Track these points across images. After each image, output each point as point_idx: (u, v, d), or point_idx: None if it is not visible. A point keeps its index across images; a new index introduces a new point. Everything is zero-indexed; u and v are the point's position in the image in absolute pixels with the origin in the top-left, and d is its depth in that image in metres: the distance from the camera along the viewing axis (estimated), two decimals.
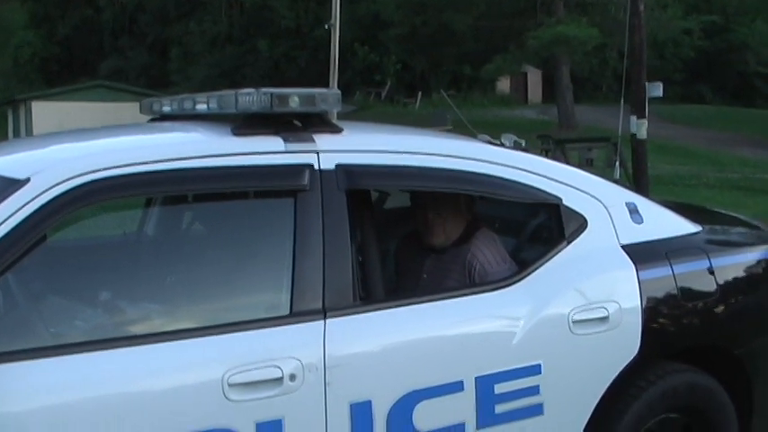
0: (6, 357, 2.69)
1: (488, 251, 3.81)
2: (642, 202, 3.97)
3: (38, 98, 38.36)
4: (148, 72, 50.99)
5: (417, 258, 3.92)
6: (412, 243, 4.02)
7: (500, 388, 3.32)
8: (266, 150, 3.19)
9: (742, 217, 4.98)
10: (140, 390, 2.82)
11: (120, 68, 51.22)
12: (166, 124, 3.80)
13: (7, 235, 2.75)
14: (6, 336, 2.87)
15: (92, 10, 55.02)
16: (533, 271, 3.55)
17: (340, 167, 3.25)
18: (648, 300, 3.68)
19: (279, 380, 2.93)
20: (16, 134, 38.77)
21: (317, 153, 3.23)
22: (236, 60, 47.12)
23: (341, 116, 4.04)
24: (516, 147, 17.41)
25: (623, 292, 3.65)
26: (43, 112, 35.94)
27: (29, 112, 37.25)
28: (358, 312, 3.18)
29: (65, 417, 2.70)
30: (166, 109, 3.80)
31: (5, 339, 2.81)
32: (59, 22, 56.13)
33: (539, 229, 4.05)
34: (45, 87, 45.86)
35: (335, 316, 3.10)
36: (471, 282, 3.73)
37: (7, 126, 41.06)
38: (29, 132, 36.12)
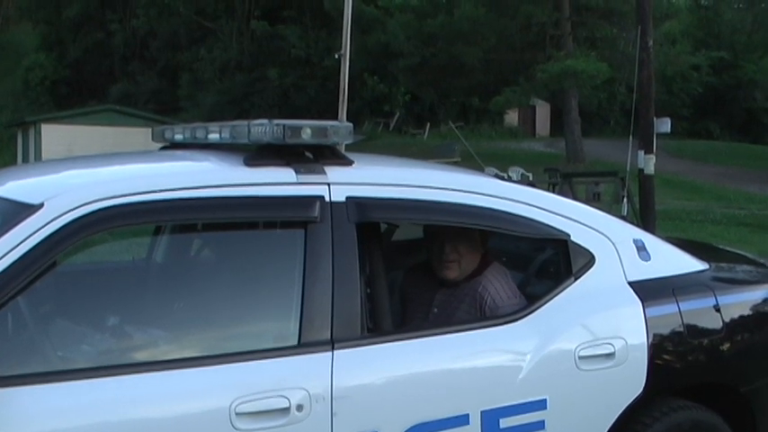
0: (14, 381, 2.70)
1: (500, 285, 3.82)
2: (650, 240, 3.98)
3: (48, 120, 38.43)
4: (158, 97, 51.12)
5: (427, 292, 3.93)
6: (420, 276, 4.02)
7: (505, 422, 3.33)
8: (278, 181, 3.21)
9: (748, 255, 5.00)
10: (147, 417, 2.83)
11: (130, 93, 51.32)
12: (179, 153, 3.83)
13: (21, 259, 2.77)
14: (14, 359, 2.88)
15: (103, 34, 55.25)
16: (540, 306, 3.56)
17: (350, 200, 3.27)
18: (655, 336, 3.69)
19: (286, 410, 2.94)
20: (25, 156, 38.87)
21: (328, 185, 3.26)
22: (245, 88, 47.22)
23: (349, 146, 4.05)
24: (524, 180, 17.47)
25: (630, 329, 3.65)
26: (53, 134, 36.05)
27: (38, 134, 37.34)
28: (366, 344, 3.19)
29: None
30: (178, 137, 3.82)
31: (14, 362, 2.82)
32: (71, 45, 56.35)
33: (546, 264, 4.07)
34: (55, 110, 45.96)
35: (344, 347, 3.11)
36: (482, 315, 3.75)
37: (16, 148, 41.18)
38: (38, 154, 36.20)
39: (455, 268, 3.86)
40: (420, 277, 4.02)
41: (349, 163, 3.40)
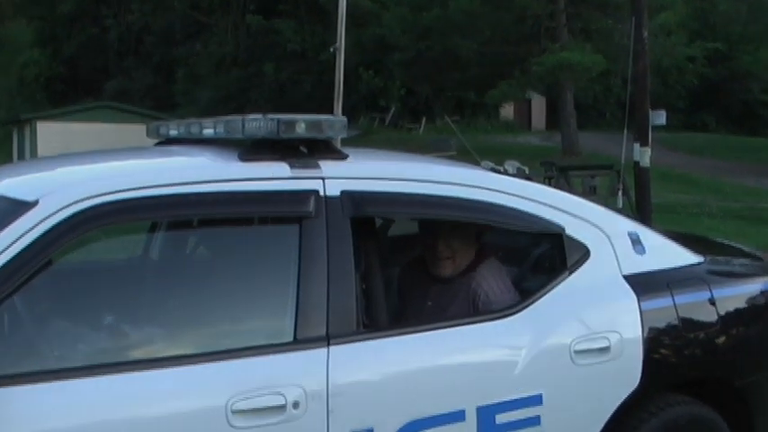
0: (9, 380, 2.70)
1: (493, 281, 3.81)
2: (645, 233, 3.97)
3: (43, 118, 38.26)
4: (154, 93, 50.92)
5: (422, 286, 3.93)
6: (416, 270, 4.02)
7: (501, 418, 3.32)
8: (272, 176, 3.21)
9: (744, 248, 4.98)
10: (143, 415, 2.83)
11: (126, 89, 51.11)
12: (173, 148, 3.82)
13: (16, 256, 2.76)
14: (11, 358, 2.87)
15: (98, 29, 55.05)
16: (535, 300, 3.56)
17: (345, 194, 3.26)
18: (650, 330, 3.68)
19: (282, 407, 2.94)
20: (21, 154, 38.73)
21: (323, 179, 3.25)
22: (241, 83, 47.11)
23: (345, 142, 4.05)
24: (519, 174, 17.44)
25: (625, 323, 3.65)
26: (48, 132, 35.89)
27: (34, 131, 37.20)
28: (361, 340, 3.19)
29: None
30: (173, 133, 3.82)
31: (9, 362, 2.81)
32: (65, 41, 56.16)
33: (541, 258, 4.06)
34: (50, 107, 45.75)
35: (339, 343, 3.10)
36: (475, 310, 3.74)
37: (11, 145, 41.06)
38: (33, 152, 36.08)
39: (449, 265, 3.86)
40: (416, 272, 4.02)
41: (344, 157, 3.40)
